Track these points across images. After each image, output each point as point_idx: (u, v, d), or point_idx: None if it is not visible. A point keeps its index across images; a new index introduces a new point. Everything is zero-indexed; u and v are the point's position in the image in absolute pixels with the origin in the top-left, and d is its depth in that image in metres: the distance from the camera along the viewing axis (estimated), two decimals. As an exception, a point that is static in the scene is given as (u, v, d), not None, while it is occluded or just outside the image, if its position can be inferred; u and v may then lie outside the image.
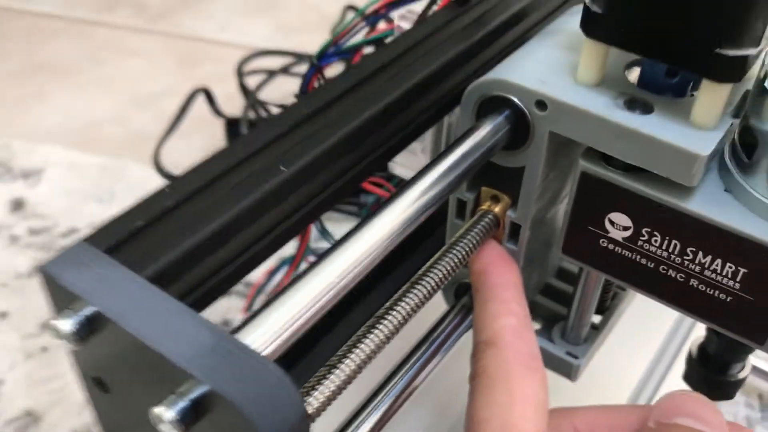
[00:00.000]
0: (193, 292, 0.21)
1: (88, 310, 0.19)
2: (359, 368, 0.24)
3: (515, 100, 0.27)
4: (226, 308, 0.57)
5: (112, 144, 0.74)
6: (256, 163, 0.23)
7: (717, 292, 0.26)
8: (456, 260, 0.29)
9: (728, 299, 0.26)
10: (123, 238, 0.21)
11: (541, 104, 0.27)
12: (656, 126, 0.25)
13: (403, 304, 0.27)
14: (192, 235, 0.21)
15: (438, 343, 0.33)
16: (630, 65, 0.28)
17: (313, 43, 0.87)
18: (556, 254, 0.31)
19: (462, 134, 0.27)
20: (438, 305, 0.36)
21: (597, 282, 0.31)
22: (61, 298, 0.20)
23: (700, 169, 0.25)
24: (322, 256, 0.22)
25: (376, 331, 0.26)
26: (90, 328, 0.19)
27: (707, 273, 0.26)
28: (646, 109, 0.26)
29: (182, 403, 0.18)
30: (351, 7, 0.81)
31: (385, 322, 0.26)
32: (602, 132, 0.26)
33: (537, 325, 0.35)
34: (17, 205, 0.66)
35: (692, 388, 0.34)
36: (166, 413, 0.18)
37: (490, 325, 0.27)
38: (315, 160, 0.24)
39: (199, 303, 0.21)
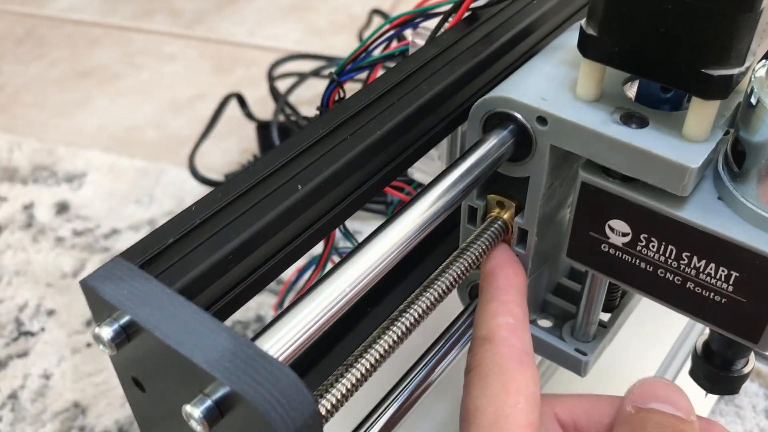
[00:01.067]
0: (219, 302, 0.23)
1: (124, 320, 0.22)
2: (373, 369, 0.27)
3: (518, 115, 0.29)
4: (259, 304, 0.60)
5: (150, 147, 0.77)
6: (275, 183, 0.25)
7: (712, 294, 0.28)
8: (467, 264, 0.31)
9: (722, 301, 0.28)
10: (155, 254, 0.23)
11: (542, 120, 0.28)
12: (650, 139, 0.27)
13: (415, 307, 0.29)
14: (216, 250, 0.23)
15: (453, 341, 0.35)
16: (627, 80, 0.30)
17: (342, 44, 0.90)
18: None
19: (469, 147, 0.29)
20: (455, 303, 0.38)
21: (602, 282, 0.33)
22: (101, 309, 0.22)
23: (691, 180, 0.26)
24: (336, 266, 0.24)
25: (390, 333, 0.28)
26: (126, 335, 0.22)
27: (702, 276, 0.28)
28: (642, 123, 0.27)
29: (208, 402, 0.20)
30: (377, 11, 0.83)
31: (399, 324, 0.28)
32: (599, 146, 0.27)
33: (549, 323, 0.36)
34: (62, 208, 0.69)
35: (697, 384, 0.35)
36: (195, 411, 0.20)
37: (489, 322, 0.28)
38: (329, 178, 0.26)
39: (224, 311, 0.24)
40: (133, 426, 0.52)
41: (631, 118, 0.28)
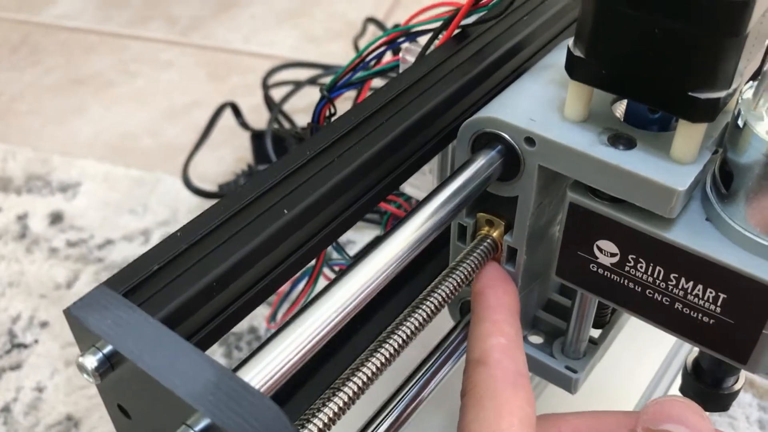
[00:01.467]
0: (203, 329, 0.23)
1: (108, 349, 0.22)
2: (361, 392, 0.26)
3: (506, 136, 0.29)
4: (252, 315, 0.59)
5: (145, 156, 0.77)
6: (260, 207, 0.25)
7: (700, 315, 0.28)
8: (457, 282, 0.31)
9: (711, 322, 0.28)
10: (138, 282, 0.23)
11: (530, 140, 0.28)
12: (637, 161, 0.27)
13: (405, 327, 0.29)
14: (200, 278, 0.23)
15: (444, 357, 0.35)
16: (616, 100, 0.29)
17: (338, 51, 0.90)
18: (556, 274, 0.32)
19: (458, 168, 0.29)
20: (447, 316, 0.38)
21: (592, 300, 0.33)
22: (85, 338, 0.22)
23: (679, 202, 0.26)
24: (321, 292, 0.24)
25: (378, 355, 0.28)
26: (110, 364, 0.22)
27: (690, 297, 0.28)
28: (629, 144, 0.27)
29: (195, 430, 0.20)
30: (371, 20, 0.82)
31: (387, 345, 0.28)
32: (586, 167, 0.27)
33: (539, 339, 0.36)
34: (56, 218, 0.69)
35: (688, 400, 0.35)
36: (179, 441, 0.20)
37: (481, 344, 0.28)
38: (316, 202, 0.26)
39: (209, 339, 0.24)
40: (127, 439, 0.52)
41: (618, 140, 0.28)
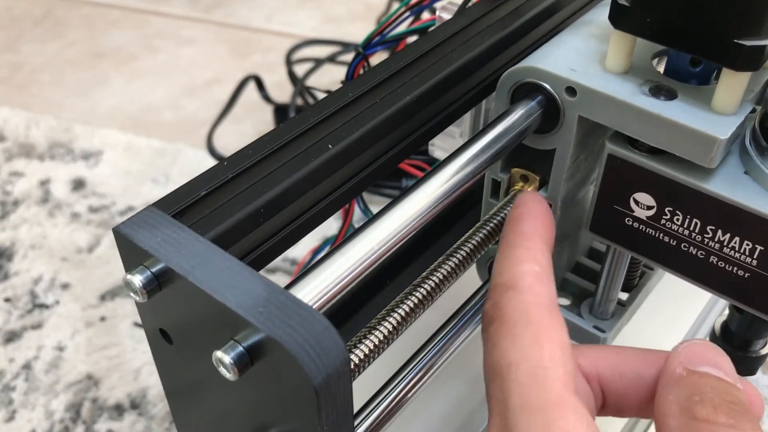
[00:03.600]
0: (249, 255, 0.24)
1: (157, 267, 0.22)
2: (397, 330, 0.27)
3: (547, 86, 0.29)
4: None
5: (166, 128, 0.77)
6: (306, 142, 0.25)
7: (735, 268, 0.28)
8: (488, 235, 0.31)
9: (746, 275, 0.28)
10: (188, 205, 0.23)
11: (571, 90, 0.29)
12: (678, 111, 0.27)
13: (438, 273, 0.30)
14: (248, 203, 0.23)
15: (470, 316, 0.35)
16: (656, 55, 0.30)
17: (359, 32, 0.90)
18: (586, 234, 0.32)
19: (496, 117, 0.29)
20: (468, 285, 0.38)
21: (623, 259, 0.33)
22: (133, 256, 0.22)
23: (719, 151, 0.26)
24: (365, 224, 0.24)
25: (413, 297, 0.28)
26: (158, 283, 0.22)
27: (726, 250, 0.28)
28: (670, 95, 0.27)
29: (239, 348, 0.20)
30: (396, -2, 0.83)
31: (421, 289, 0.28)
32: (627, 116, 0.27)
33: (566, 301, 0.37)
34: (78, 185, 0.70)
35: (715, 364, 0.35)
36: (225, 357, 0.20)
37: (512, 268, 0.26)
38: (359, 140, 0.26)
39: (254, 264, 0.24)
40: (146, 399, 0.53)
41: (660, 91, 0.28)
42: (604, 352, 0.28)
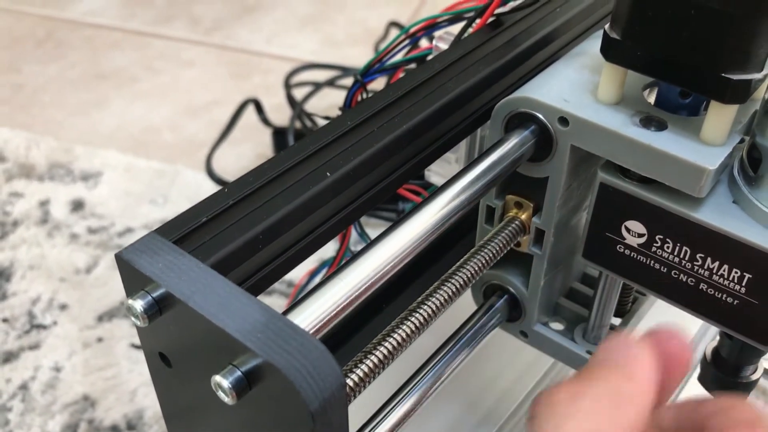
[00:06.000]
0: (249, 280, 0.24)
1: (157, 292, 0.22)
2: (392, 355, 0.27)
3: (540, 116, 0.30)
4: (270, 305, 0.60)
5: (166, 149, 0.78)
6: (305, 169, 0.26)
7: (724, 295, 0.29)
8: (483, 261, 0.32)
9: (735, 302, 0.28)
10: (188, 231, 0.24)
11: (564, 120, 0.29)
12: (668, 142, 0.27)
13: (434, 299, 0.30)
14: (248, 230, 0.24)
15: (466, 340, 0.35)
16: (647, 86, 0.30)
17: (357, 56, 0.91)
18: (579, 260, 0.33)
19: (491, 146, 0.30)
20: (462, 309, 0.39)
21: (616, 285, 0.34)
22: (134, 281, 0.23)
23: (708, 181, 0.27)
24: (362, 250, 0.25)
25: (409, 323, 0.29)
26: (159, 308, 0.23)
27: (715, 278, 0.29)
28: (660, 126, 0.28)
29: (238, 373, 0.21)
30: (394, 24, 0.84)
31: (417, 314, 0.29)
32: (619, 146, 0.28)
33: (560, 326, 0.37)
34: (77, 206, 0.70)
35: (706, 389, 0.36)
36: (224, 381, 0.21)
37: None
38: (357, 167, 0.26)
39: (253, 289, 0.24)
40: (142, 420, 0.53)
41: (650, 122, 0.28)
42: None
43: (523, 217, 0.33)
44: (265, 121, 0.75)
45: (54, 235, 0.67)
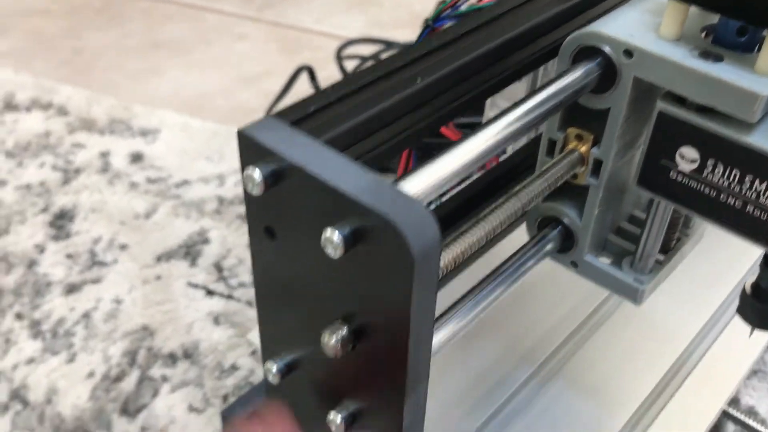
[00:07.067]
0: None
1: (274, 165, 0.26)
2: (472, 248, 0.30)
3: (606, 49, 0.33)
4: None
5: (219, 114, 0.81)
6: (398, 76, 0.29)
7: (769, 217, 0.31)
8: (544, 186, 0.35)
9: (778, 223, 0.31)
10: (302, 117, 0.27)
11: (628, 53, 0.32)
12: (725, 71, 0.30)
13: (498, 212, 0.33)
14: (351, 119, 0.27)
15: (518, 265, 0.38)
16: (705, 29, 0.33)
17: (403, 36, 0.94)
18: (629, 199, 0.36)
19: (559, 73, 0.33)
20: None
21: (666, 215, 0.37)
22: (253, 154, 0.26)
23: (761, 107, 0.30)
24: (458, 140, 0.28)
25: (480, 227, 0.32)
26: (274, 178, 0.26)
27: (762, 200, 0.31)
28: (717, 59, 0.31)
29: (347, 228, 0.24)
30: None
31: (491, 216, 0.32)
32: (678, 76, 0.31)
33: (608, 260, 0.40)
34: (136, 158, 0.74)
35: (744, 321, 0.38)
36: (335, 234, 0.24)
37: None
38: (445, 77, 0.30)
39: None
40: (198, 350, 0.56)
41: (708, 55, 0.31)
42: None
43: (583, 149, 0.36)
44: (317, 89, 0.78)
45: (114, 183, 0.71)
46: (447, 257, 0.31)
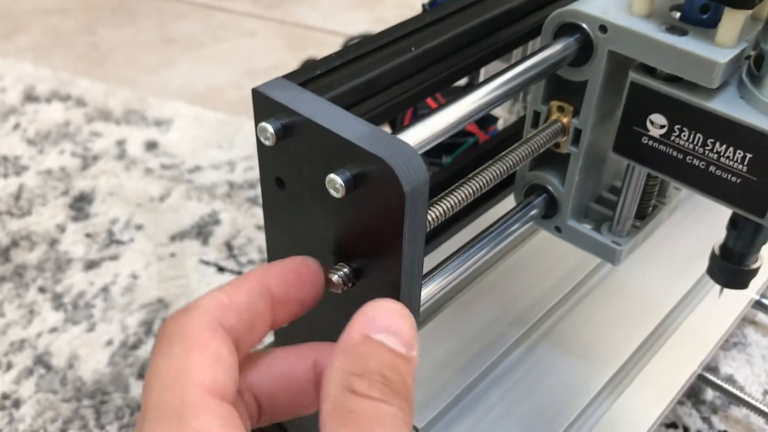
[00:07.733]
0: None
1: (285, 119, 0.29)
2: (461, 203, 0.34)
3: (583, 25, 0.36)
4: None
5: (229, 105, 0.85)
6: (395, 46, 0.33)
7: (729, 175, 0.35)
8: (527, 152, 0.38)
9: (737, 181, 0.35)
10: (309, 78, 0.30)
11: (603, 28, 0.36)
12: (689, 43, 0.34)
13: (484, 173, 0.37)
14: (352, 80, 0.31)
15: (505, 227, 0.42)
16: (673, 8, 0.37)
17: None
18: (608, 170, 0.39)
19: (541, 47, 0.37)
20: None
21: (640, 180, 0.40)
22: (266, 110, 0.30)
23: (720, 74, 0.33)
24: (446, 103, 0.31)
25: (468, 185, 0.35)
26: (284, 131, 0.29)
27: (722, 160, 0.35)
28: (683, 33, 0.35)
29: (348, 174, 0.27)
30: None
31: (478, 177, 0.35)
32: (648, 48, 0.35)
33: (589, 225, 0.43)
34: (151, 146, 0.77)
35: (714, 280, 0.42)
36: (338, 178, 0.27)
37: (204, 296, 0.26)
38: (436, 46, 0.33)
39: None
40: (210, 321, 0.59)
41: (675, 30, 0.35)
42: (253, 361, 0.28)
43: (565, 120, 0.40)
44: (323, 81, 0.82)
45: (130, 168, 0.74)
46: (438, 210, 0.34)
